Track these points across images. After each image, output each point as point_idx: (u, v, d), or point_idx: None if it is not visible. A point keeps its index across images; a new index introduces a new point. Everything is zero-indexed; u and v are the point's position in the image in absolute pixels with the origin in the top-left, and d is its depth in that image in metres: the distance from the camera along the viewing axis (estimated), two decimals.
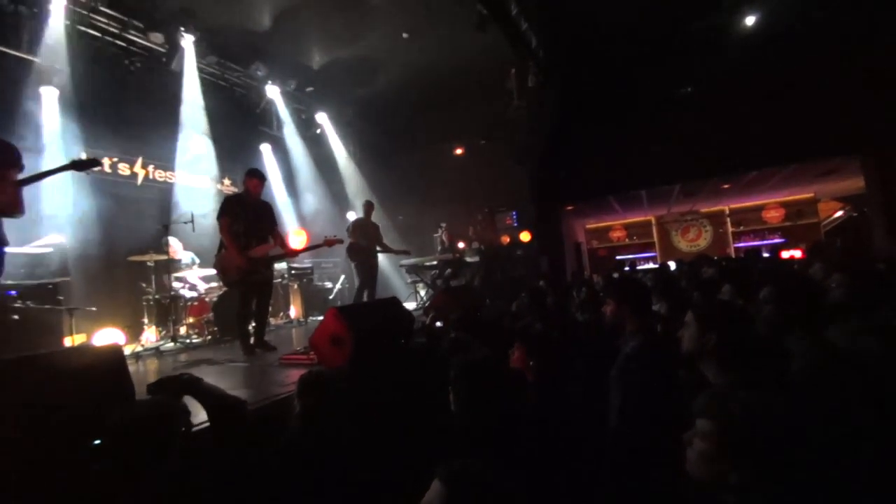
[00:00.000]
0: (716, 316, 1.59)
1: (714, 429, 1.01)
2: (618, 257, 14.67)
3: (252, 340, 4.18)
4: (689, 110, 8.08)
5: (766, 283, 2.31)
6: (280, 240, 4.39)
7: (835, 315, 2.08)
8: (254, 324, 4.25)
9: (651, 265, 13.21)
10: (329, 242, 4.76)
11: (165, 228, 5.31)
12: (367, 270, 6.28)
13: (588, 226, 15.40)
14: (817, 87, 7.25)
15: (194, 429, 1.65)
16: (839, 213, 13.03)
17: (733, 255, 12.95)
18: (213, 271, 6.09)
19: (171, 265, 5.47)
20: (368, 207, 6.56)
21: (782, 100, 7.44)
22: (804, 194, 12.89)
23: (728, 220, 14.07)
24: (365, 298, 6.21)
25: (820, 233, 12.92)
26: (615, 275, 6.02)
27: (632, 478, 1.95)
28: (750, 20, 7.44)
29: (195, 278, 5.91)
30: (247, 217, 4.07)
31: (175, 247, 5.69)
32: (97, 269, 5.45)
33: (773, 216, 13.53)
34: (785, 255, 10.50)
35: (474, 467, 0.94)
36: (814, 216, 13.16)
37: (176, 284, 5.64)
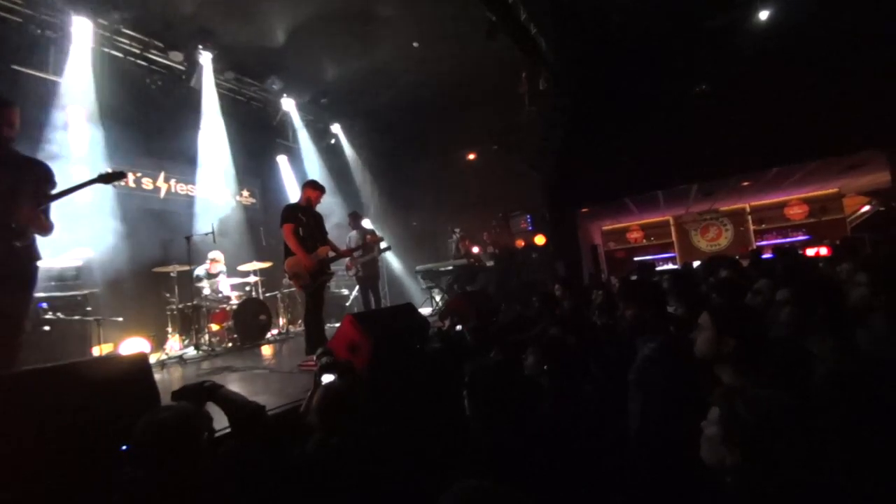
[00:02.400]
0: (733, 319, 1.56)
1: (718, 415, 1.11)
2: (636, 258, 14.45)
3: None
4: (705, 108, 7.94)
5: (786, 282, 2.27)
6: (333, 246, 4.56)
7: (859, 317, 2.02)
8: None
9: (670, 266, 12.99)
10: (373, 240, 5.67)
11: (188, 240, 5.47)
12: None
13: (604, 227, 15.21)
14: (839, 79, 7.04)
15: (216, 434, 1.69)
16: (866, 208, 12.60)
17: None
18: (238, 280, 6.34)
19: (212, 276, 6.10)
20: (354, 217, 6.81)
21: (803, 93, 7.23)
22: (828, 189, 12.52)
23: (749, 217, 13.74)
24: (372, 304, 6.32)
25: (846, 229, 12.50)
26: (633, 277, 5.92)
27: (653, 482, 1.92)
28: (763, 14, 7.28)
29: (227, 288, 6.16)
30: (307, 223, 4.23)
31: (219, 259, 6.15)
32: (123, 280, 5.63)
33: (797, 213, 13.16)
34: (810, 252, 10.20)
35: (479, 490, 0.92)
36: (839, 212, 12.76)
37: (209, 294, 5.94)
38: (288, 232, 4.09)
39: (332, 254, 4.44)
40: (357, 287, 7.13)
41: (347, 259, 6.31)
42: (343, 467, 1.68)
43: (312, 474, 1.68)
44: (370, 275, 6.47)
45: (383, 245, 5.88)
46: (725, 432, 1.07)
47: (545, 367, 2.31)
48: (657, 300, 2.48)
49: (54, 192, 2.56)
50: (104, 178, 2.64)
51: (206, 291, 5.92)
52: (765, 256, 6.94)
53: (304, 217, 4.24)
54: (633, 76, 8.11)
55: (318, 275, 4.13)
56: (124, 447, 1.57)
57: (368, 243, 5.77)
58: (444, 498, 0.92)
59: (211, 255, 6.11)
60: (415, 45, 7.35)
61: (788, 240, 12.96)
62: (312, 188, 4.40)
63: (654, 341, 2.31)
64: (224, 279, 6.20)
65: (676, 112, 7.98)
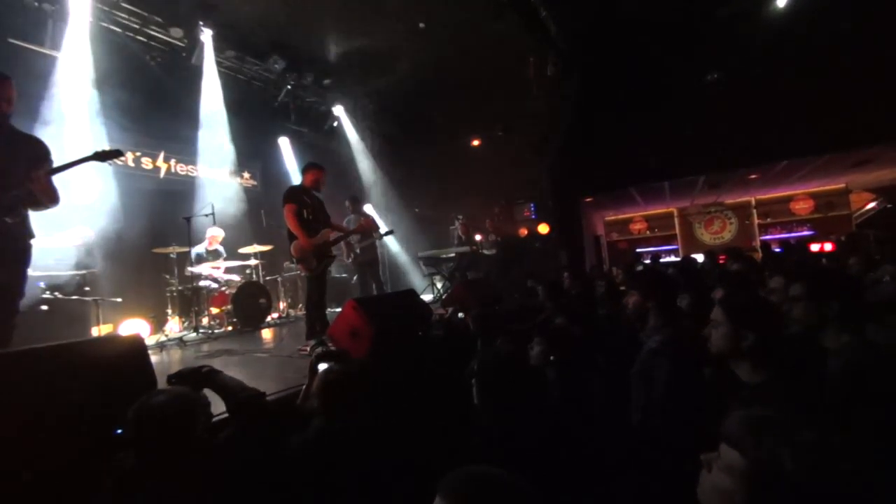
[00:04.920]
0: (753, 313, 1.50)
1: (745, 469, 0.81)
2: (638, 250, 14.39)
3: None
4: (715, 98, 7.80)
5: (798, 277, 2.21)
6: (339, 227, 4.57)
7: (881, 311, 1.97)
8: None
9: (673, 258, 12.93)
10: (366, 225, 5.33)
11: (188, 221, 5.39)
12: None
13: (607, 218, 15.13)
14: (852, 71, 6.89)
15: (214, 420, 1.65)
16: (872, 205, 12.49)
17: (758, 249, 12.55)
18: (235, 262, 6.27)
19: (210, 255, 6.02)
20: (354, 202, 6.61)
21: (815, 86, 7.09)
22: (835, 185, 12.40)
23: (754, 211, 13.64)
24: (373, 290, 6.23)
25: (851, 225, 12.42)
26: (638, 268, 5.87)
27: (655, 476, 1.89)
28: (781, 2, 7.09)
29: (220, 271, 6.07)
30: (312, 205, 4.16)
31: (218, 235, 6.06)
32: (123, 260, 5.57)
33: (802, 208, 13.07)
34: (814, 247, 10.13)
35: (479, 476, 0.88)
36: (845, 208, 12.66)
37: (206, 274, 5.83)
38: (289, 213, 4.00)
39: (333, 237, 4.39)
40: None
41: (343, 244, 6.23)
42: (346, 452, 1.64)
43: (314, 460, 1.64)
44: (368, 259, 6.38)
45: (384, 230, 5.78)
46: (751, 493, 0.79)
47: (551, 357, 2.26)
48: (666, 291, 2.43)
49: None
50: (100, 156, 2.57)
51: (204, 271, 5.81)
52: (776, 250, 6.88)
53: (309, 199, 4.17)
54: (643, 64, 7.95)
55: (322, 258, 4.10)
56: (118, 431, 1.53)
57: (361, 227, 5.55)
58: (450, 479, 0.88)
59: (210, 231, 6.00)
60: (421, 25, 7.17)
61: (793, 234, 12.88)
62: (318, 169, 4.30)
63: (659, 334, 2.27)
64: (220, 261, 6.12)
65: (686, 101, 7.84)
